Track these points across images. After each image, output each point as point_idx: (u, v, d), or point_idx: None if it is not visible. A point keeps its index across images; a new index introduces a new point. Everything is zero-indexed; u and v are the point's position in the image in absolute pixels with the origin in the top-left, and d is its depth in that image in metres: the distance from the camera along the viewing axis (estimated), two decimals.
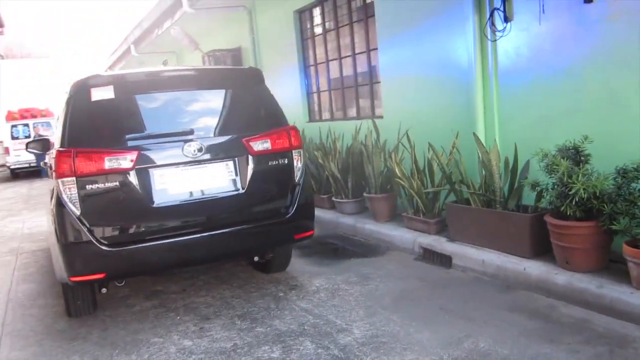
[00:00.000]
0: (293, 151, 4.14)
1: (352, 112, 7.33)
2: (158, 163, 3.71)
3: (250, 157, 3.97)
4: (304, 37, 8.23)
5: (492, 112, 4.80)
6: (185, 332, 3.77)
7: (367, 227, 5.78)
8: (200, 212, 3.86)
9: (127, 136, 3.78)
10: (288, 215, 4.09)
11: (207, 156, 3.84)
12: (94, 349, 3.64)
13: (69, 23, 31.09)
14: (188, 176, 3.81)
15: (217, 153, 3.89)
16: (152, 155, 3.70)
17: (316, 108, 8.32)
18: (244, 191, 3.96)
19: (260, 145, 3.99)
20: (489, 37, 4.58)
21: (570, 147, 3.69)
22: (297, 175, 4.17)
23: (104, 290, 4.20)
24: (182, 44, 10.64)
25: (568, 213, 3.54)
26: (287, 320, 3.80)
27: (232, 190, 3.94)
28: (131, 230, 3.66)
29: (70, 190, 3.50)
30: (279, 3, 8.43)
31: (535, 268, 3.87)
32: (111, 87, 3.71)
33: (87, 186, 3.52)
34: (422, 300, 3.94)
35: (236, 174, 3.96)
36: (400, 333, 3.39)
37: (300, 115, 8.43)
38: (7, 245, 7.35)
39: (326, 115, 8.03)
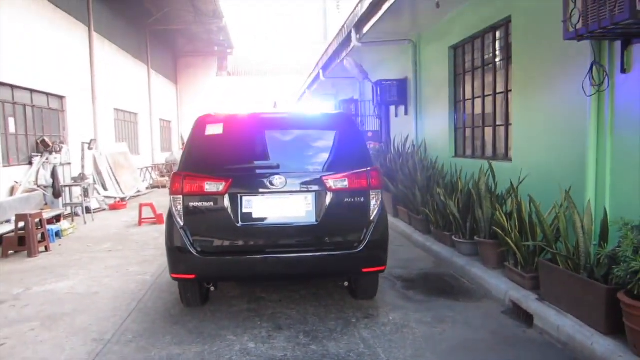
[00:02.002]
0: (371, 191, 4.44)
1: (489, 151, 7.19)
2: (246, 190, 4.36)
3: (327, 193, 4.39)
4: (457, 73, 8.30)
5: (605, 168, 4.44)
6: (256, 336, 4.33)
7: (473, 271, 5.70)
8: (277, 235, 4.40)
9: (226, 166, 4.50)
10: (358, 250, 4.39)
11: (289, 188, 4.36)
12: (183, 333, 4.42)
13: (280, 47, 34.66)
14: (270, 204, 4.38)
15: (297, 187, 4.39)
16: (243, 183, 4.37)
17: (461, 144, 8.29)
18: (317, 223, 4.39)
19: (338, 183, 4.38)
20: (585, 92, 4.28)
21: None
22: (373, 213, 4.45)
23: (212, 288, 5.03)
24: (352, 73, 11.44)
25: (635, 292, 3.22)
26: (341, 344, 4.11)
27: (307, 221, 4.40)
28: (218, 243, 4.37)
29: (178, 205, 4.35)
30: (438, 38, 8.64)
31: (602, 345, 3.55)
32: (222, 125, 4.50)
33: (190, 203, 4.33)
34: (476, 354, 3.90)
35: (313, 207, 4.40)
36: None
37: (446, 150, 8.50)
38: None
39: (469, 152, 7.97)
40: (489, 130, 7.24)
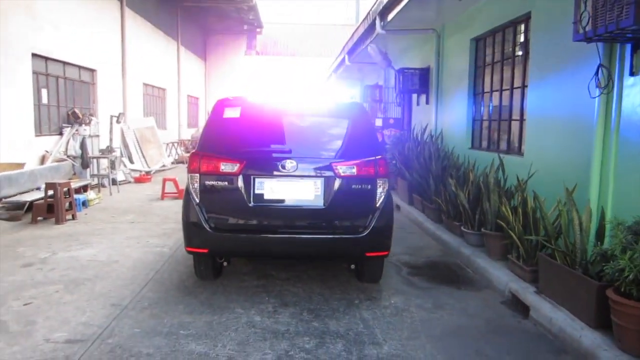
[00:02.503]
0: (378, 179, 4.62)
1: (503, 145, 7.28)
2: (259, 172, 4.59)
3: (336, 179, 4.59)
4: (477, 65, 8.34)
5: (609, 169, 4.54)
6: (262, 310, 4.59)
7: (478, 261, 5.86)
8: (286, 216, 4.63)
9: (241, 148, 4.73)
10: (363, 234, 4.60)
11: (299, 173, 4.58)
12: (195, 303, 4.71)
13: (309, 29, 34.53)
14: (281, 186, 4.61)
15: (307, 171, 4.61)
16: (256, 165, 4.60)
17: (478, 136, 8.37)
18: (324, 207, 4.61)
19: (347, 170, 4.58)
20: (590, 93, 4.36)
21: None
22: (379, 200, 4.64)
23: (225, 263, 5.31)
24: (376, 59, 11.52)
25: (622, 290, 3.37)
26: (341, 323, 4.34)
27: (315, 204, 4.62)
28: (230, 221, 4.63)
29: (195, 183, 4.61)
30: (461, 29, 8.67)
31: (589, 338, 3.71)
32: (239, 109, 4.73)
33: (205, 182, 4.59)
34: (467, 340, 4.08)
35: (321, 191, 4.61)
36: None
37: (463, 141, 8.59)
38: None
39: (484, 144, 8.05)
40: (504, 124, 7.31)
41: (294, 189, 4.60)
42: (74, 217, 8.59)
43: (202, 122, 28.59)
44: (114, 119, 13.90)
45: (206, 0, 23.37)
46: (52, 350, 3.76)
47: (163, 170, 16.93)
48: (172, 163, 19.18)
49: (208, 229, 4.59)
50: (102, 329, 4.14)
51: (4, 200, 8.49)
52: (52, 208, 8.30)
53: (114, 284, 5.24)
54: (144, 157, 16.23)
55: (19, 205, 8.59)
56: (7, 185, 8.53)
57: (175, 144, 21.01)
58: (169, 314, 4.46)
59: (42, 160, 10.85)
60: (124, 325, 4.21)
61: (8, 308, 4.56)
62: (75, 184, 9.41)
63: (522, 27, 6.75)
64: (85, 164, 11.42)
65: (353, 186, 4.61)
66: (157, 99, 20.68)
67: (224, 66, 29.83)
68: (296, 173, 4.57)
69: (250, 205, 4.58)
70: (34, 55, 10.58)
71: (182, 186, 10.89)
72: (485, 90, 8.03)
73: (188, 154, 20.48)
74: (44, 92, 11.23)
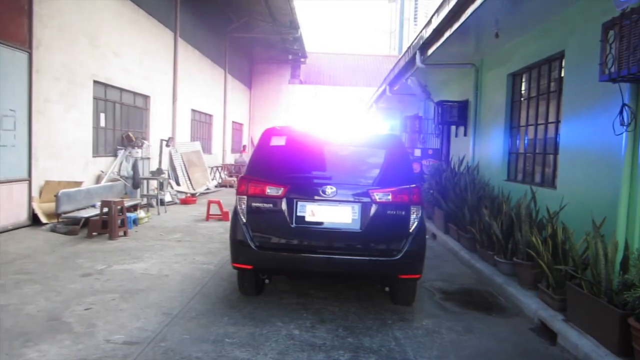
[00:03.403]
0: (412, 206, 4.94)
1: (538, 177, 7.46)
2: (301, 196, 4.98)
3: (372, 205, 4.93)
4: (514, 100, 8.59)
5: (636, 203, 4.73)
6: (301, 325, 4.92)
7: (509, 290, 6.03)
8: (325, 238, 4.98)
9: (285, 173, 5.14)
10: (396, 257, 4.91)
11: (338, 198, 4.94)
12: (239, 316, 5.08)
13: (353, 59, 35.19)
14: (321, 210, 4.98)
15: (346, 197, 4.96)
16: (299, 190, 5.00)
17: (514, 168, 8.57)
18: (360, 230, 4.95)
19: (383, 197, 4.92)
20: (615, 130, 4.59)
21: None
22: (412, 226, 4.95)
23: (267, 280, 5.68)
24: (415, 92, 11.88)
25: None
26: (375, 340, 4.62)
27: (352, 228, 4.96)
28: (274, 240, 5.02)
29: (242, 205, 5.03)
30: (499, 64, 8.97)
31: None
32: (285, 137, 5.16)
33: (252, 204, 5.01)
34: None
35: (358, 216, 4.95)
36: None
37: (499, 173, 8.79)
38: None
39: (519, 177, 8.25)
40: (539, 158, 7.52)
41: (333, 213, 4.96)
42: (125, 234, 9.15)
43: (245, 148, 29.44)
44: (164, 143, 14.69)
45: (254, 32, 24.39)
46: (112, 350, 4.18)
47: (207, 193, 17.58)
48: (216, 186, 19.86)
49: (253, 247, 4.99)
50: (155, 333, 4.55)
51: (63, 215, 9.14)
52: (106, 224, 8.90)
53: (165, 295, 5.68)
54: (189, 179, 16.96)
55: (75, 221, 9.22)
56: (66, 202, 9.19)
57: (219, 168, 21.74)
58: (214, 324, 4.84)
59: (98, 179, 11.58)
60: (175, 332, 4.61)
61: (72, 312, 5.04)
62: (127, 203, 10.02)
63: (557, 64, 7.01)
64: (136, 185, 12.11)
65: (388, 212, 4.93)
66: (204, 125, 21.54)
67: (268, 94, 30.76)
68: (335, 198, 4.94)
69: (292, 226, 4.96)
70: (95, 82, 11.41)
71: (226, 209, 11.43)
72: (521, 124, 8.26)
73: (231, 178, 21.21)
74: (102, 116, 12.03)
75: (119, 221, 9.07)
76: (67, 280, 6.11)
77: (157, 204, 12.50)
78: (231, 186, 20.32)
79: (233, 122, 26.73)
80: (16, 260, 7.03)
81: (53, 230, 8.96)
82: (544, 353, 4.52)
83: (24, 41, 8.50)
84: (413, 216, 4.95)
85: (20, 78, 8.47)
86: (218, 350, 4.24)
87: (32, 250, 7.61)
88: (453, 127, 11.96)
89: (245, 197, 5.02)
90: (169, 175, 15.08)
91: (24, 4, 8.49)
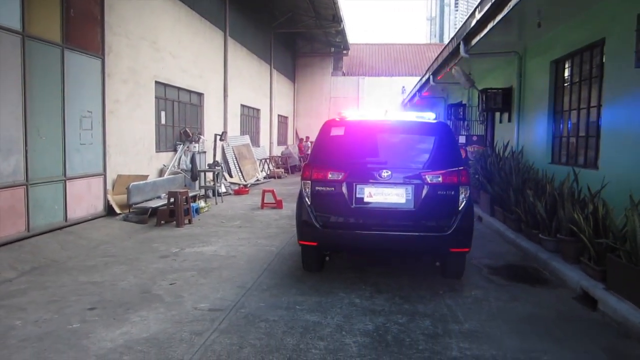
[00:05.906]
0: (460, 187, 5.43)
1: (581, 160, 7.77)
2: (360, 180, 5.54)
3: (424, 186, 5.44)
4: (557, 85, 8.87)
5: None
6: (361, 295, 5.50)
7: (553, 264, 6.43)
8: (381, 217, 5.53)
9: (345, 160, 5.71)
10: (447, 233, 5.41)
11: (393, 180, 5.48)
12: (305, 288, 5.70)
13: (394, 49, 35.25)
14: (378, 192, 5.52)
15: (400, 179, 5.49)
16: (357, 174, 5.56)
17: (557, 151, 8.86)
18: (414, 209, 5.47)
19: (433, 178, 5.43)
20: None
21: None
22: (461, 204, 5.44)
23: (327, 258, 6.29)
24: (459, 80, 12.20)
25: None
26: (428, 307, 5.15)
27: (406, 207, 5.49)
28: (335, 220, 5.60)
29: (307, 189, 5.64)
30: (541, 52, 9.25)
31: None
32: (343, 128, 5.73)
33: (316, 187, 5.60)
34: (539, 324, 4.75)
35: (412, 196, 5.48)
36: (494, 336, 4.43)
37: (543, 157, 9.10)
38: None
39: (563, 159, 8.55)
40: (582, 140, 7.82)
41: (389, 194, 5.51)
42: (190, 222, 9.94)
43: (290, 140, 30.19)
44: (218, 137, 15.50)
45: (297, 26, 25.02)
46: (201, 315, 4.86)
47: (257, 183, 18.37)
48: (265, 178, 20.64)
49: (317, 226, 5.59)
50: (235, 302, 5.22)
51: (134, 206, 10.01)
52: (173, 213, 9.70)
53: (236, 272, 6.36)
54: (241, 171, 17.77)
55: (144, 211, 10.07)
56: (136, 194, 10.05)
57: (267, 160, 22.53)
58: (285, 294, 5.48)
59: (160, 173, 12.46)
60: (251, 301, 5.27)
61: (159, 286, 5.78)
62: (189, 194, 10.83)
63: (598, 51, 7.29)
64: (194, 177, 12.94)
65: (439, 192, 5.44)
66: (252, 119, 22.35)
67: (311, 86, 31.38)
68: (391, 180, 5.48)
69: (352, 207, 5.54)
70: (156, 82, 12.26)
71: (279, 197, 12.11)
72: (564, 109, 8.55)
73: (278, 170, 21.97)
74: (162, 114, 12.90)
75: (184, 210, 9.86)
76: (148, 262, 6.88)
77: (214, 195, 13.30)
78: (279, 177, 21.09)
79: (279, 115, 27.47)
80: (100, 245, 7.88)
81: (125, 219, 9.82)
82: (586, 317, 4.95)
83: (97, 48, 9.35)
84: (462, 195, 5.44)
85: (96, 82, 9.33)
86: (291, 315, 4.86)
87: (112, 237, 8.46)
88: (497, 114, 12.24)
89: (309, 181, 5.62)
90: (222, 168, 15.89)
91: (97, 14, 9.33)
